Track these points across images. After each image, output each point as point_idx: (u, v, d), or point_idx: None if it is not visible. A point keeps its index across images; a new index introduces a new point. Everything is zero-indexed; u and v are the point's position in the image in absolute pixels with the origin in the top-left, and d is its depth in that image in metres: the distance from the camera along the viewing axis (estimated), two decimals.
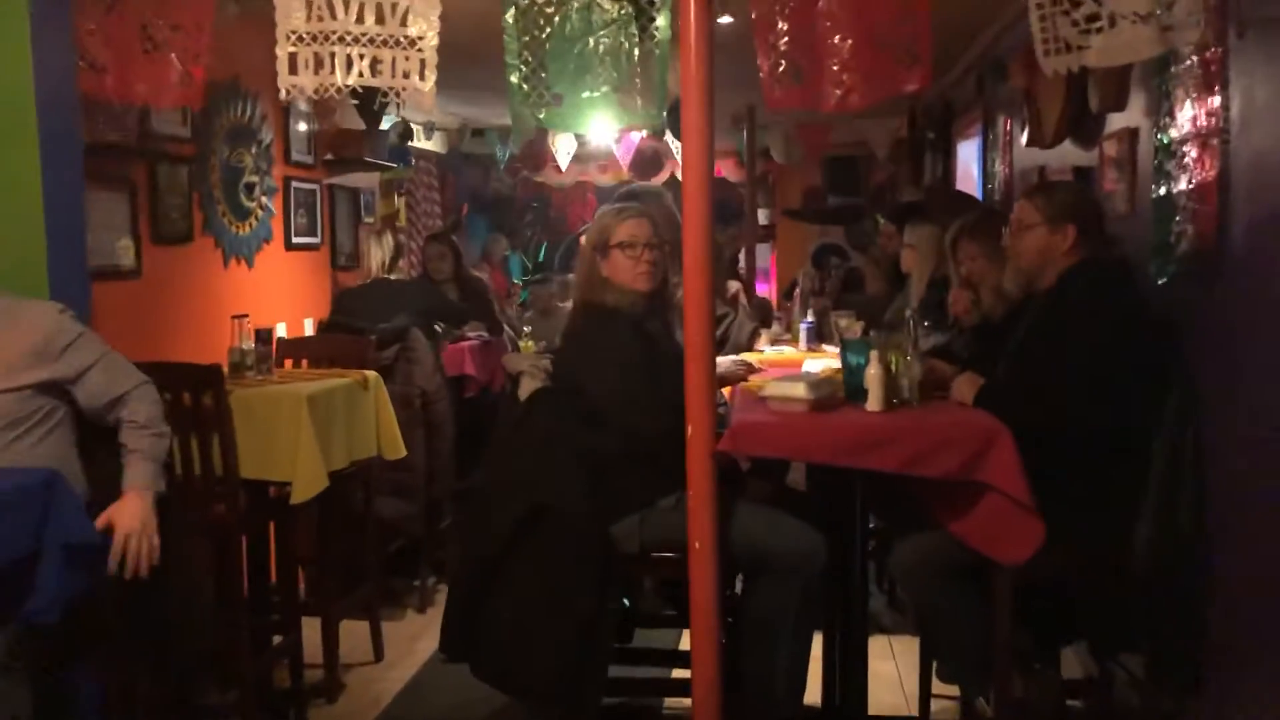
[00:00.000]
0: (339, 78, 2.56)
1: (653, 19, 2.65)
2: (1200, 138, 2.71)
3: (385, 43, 2.56)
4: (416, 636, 4.44)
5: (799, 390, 2.75)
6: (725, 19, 4.42)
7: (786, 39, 2.67)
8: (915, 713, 3.46)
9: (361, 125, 5.52)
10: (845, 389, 2.92)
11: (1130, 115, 3.33)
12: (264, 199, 4.77)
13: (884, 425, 2.70)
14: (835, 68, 2.63)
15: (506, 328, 6.37)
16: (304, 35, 2.56)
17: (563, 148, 7.83)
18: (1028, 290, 3.19)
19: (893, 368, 2.83)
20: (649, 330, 3.02)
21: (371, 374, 3.97)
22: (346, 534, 4.10)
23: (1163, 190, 2.96)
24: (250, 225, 4.66)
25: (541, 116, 2.73)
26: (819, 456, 2.72)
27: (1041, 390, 2.83)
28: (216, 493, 3.32)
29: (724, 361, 3.45)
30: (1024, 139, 4.40)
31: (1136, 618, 2.91)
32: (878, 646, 3.95)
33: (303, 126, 5.26)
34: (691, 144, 2.50)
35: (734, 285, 4.97)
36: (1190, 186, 2.77)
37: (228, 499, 3.33)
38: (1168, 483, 2.76)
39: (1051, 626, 3.18)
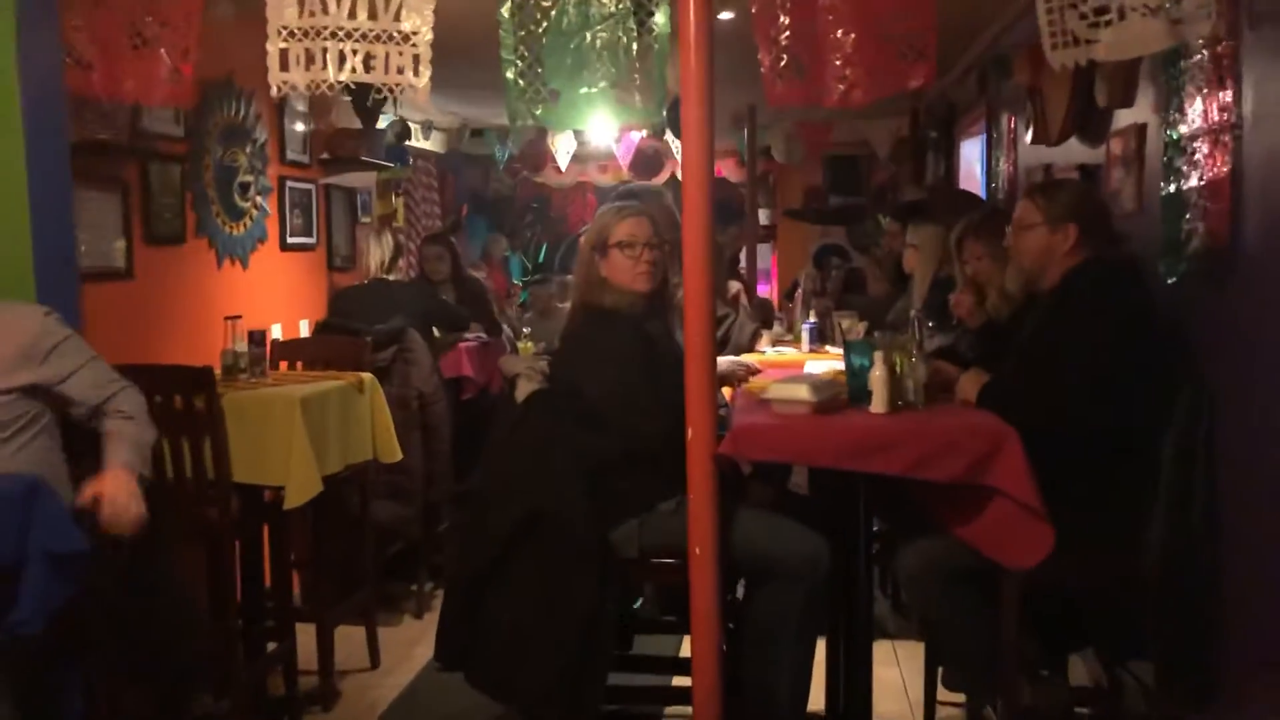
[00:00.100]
0: (331, 74, 2.52)
1: (651, 13, 2.61)
2: (1212, 133, 2.65)
3: (378, 38, 2.52)
4: (414, 642, 4.38)
5: (802, 392, 2.69)
6: (725, 15, 4.36)
7: (788, 33, 2.62)
8: None
9: (358, 124, 5.45)
10: (849, 391, 2.87)
11: (1138, 111, 3.27)
12: (259, 199, 4.71)
13: (889, 428, 2.64)
14: (838, 62, 2.59)
15: (506, 329, 6.32)
16: (295, 31, 2.52)
17: (562, 148, 7.79)
18: (1031, 290, 3.14)
19: (897, 369, 2.78)
20: (649, 331, 2.97)
21: (367, 376, 3.91)
22: (342, 538, 4.04)
23: (1172, 187, 2.90)
24: (245, 225, 4.60)
25: (538, 113, 2.68)
26: (822, 460, 2.66)
27: (1044, 390, 2.78)
28: (208, 497, 3.27)
29: (724, 362, 3.39)
30: (1028, 137, 4.34)
31: (1146, 624, 2.85)
32: (881, 651, 3.89)
33: (300, 126, 5.20)
34: (692, 141, 2.45)
35: (735, 286, 4.92)
36: (1201, 183, 2.72)
37: (219, 504, 3.28)
38: (1179, 486, 2.71)
39: (1059, 632, 3.13)
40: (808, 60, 2.60)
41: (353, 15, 2.51)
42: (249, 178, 4.61)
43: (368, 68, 2.53)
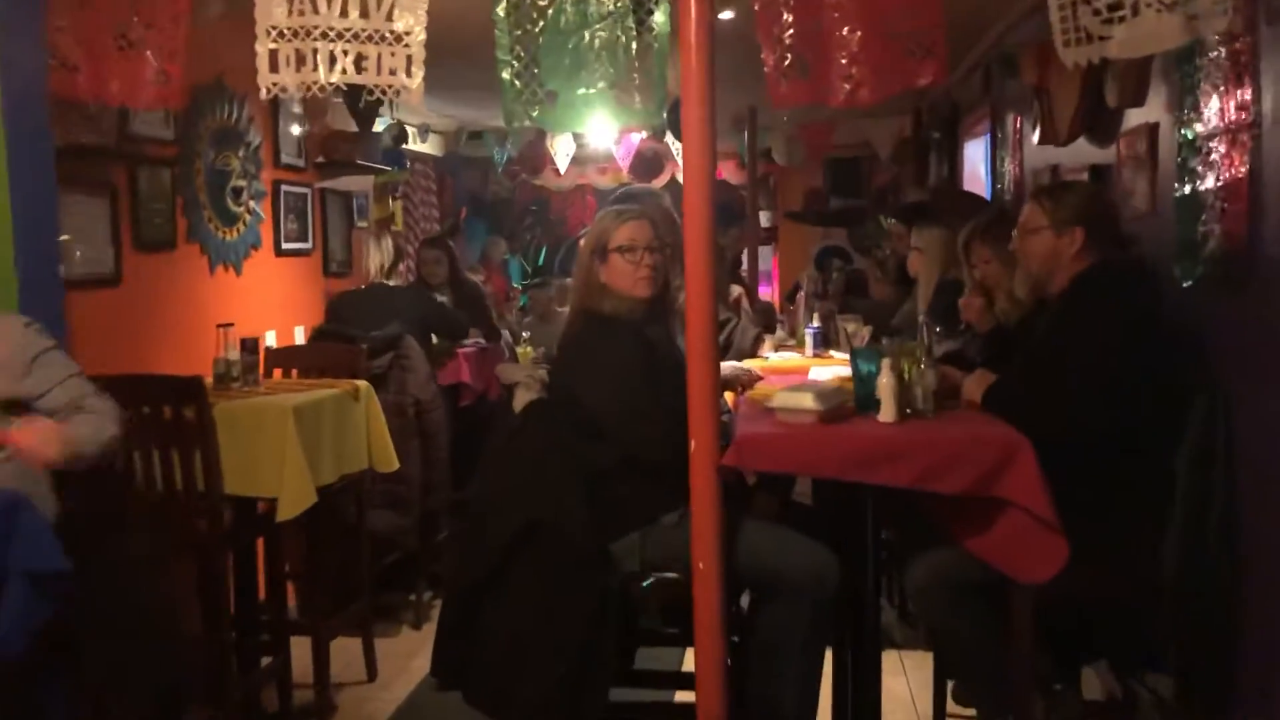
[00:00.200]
0: (322, 75, 2.45)
1: (651, 11, 2.53)
2: (1229, 132, 2.58)
3: (370, 38, 2.45)
4: (412, 654, 4.31)
5: (807, 401, 2.62)
6: (725, 14, 4.29)
7: (792, 31, 2.54)
8: None
9: (354, 127, 5.39)
10: (855, 399, 2.79)
11: (1150, 110, 3.20)
12: (252, 203, 4.64)
13: (897, 438, 2.56)
14: (844, 61, 2.50)
15: (505, 333, 6.25)
16: (285, 31, 2.44)
17: (561, 150, 7.73)
18: (1039, 294, 3.07)
19: (905, 376, 2.70)
20: (650, 337, 2.89)
21: (362, 384, 3.84)
22: (338, 548, 3.97)
23: (1187, 188, 2.83)
24: (238, 231, 4.53)
25: (535, 115, 2.61)
26: (828, 471, 2.58)
27: (1050, 392, 2.71)
28: (199, 509, 3.20)
29: (726, 367, 3.32)
30: (1035, 137, 4.27)
31: (1163, 635, 2.78)
32: (888, 662, 3.80)
33: (296, 129, 5.13)
34: (693, 142, 2.37)
35: (736, 289, 4.84)
36: (1218, 184, 2.64)
37: (210, 516, 3.21)
38: (1196, 493, 2.65)
39: (1071, 644, 3.06)
40: (812, 59, 2.52)
41: (344, 14, 2.43)
42: (242, 182, 4.54)
43: (359, 69, 2.45)
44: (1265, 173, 2.46)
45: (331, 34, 2.43)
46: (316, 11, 2.43)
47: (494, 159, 8.05)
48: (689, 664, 3.36)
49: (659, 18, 2.53)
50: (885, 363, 2.65)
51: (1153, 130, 3.15)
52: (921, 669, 3.87)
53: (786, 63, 2.53)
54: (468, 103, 6.97)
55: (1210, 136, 2.69)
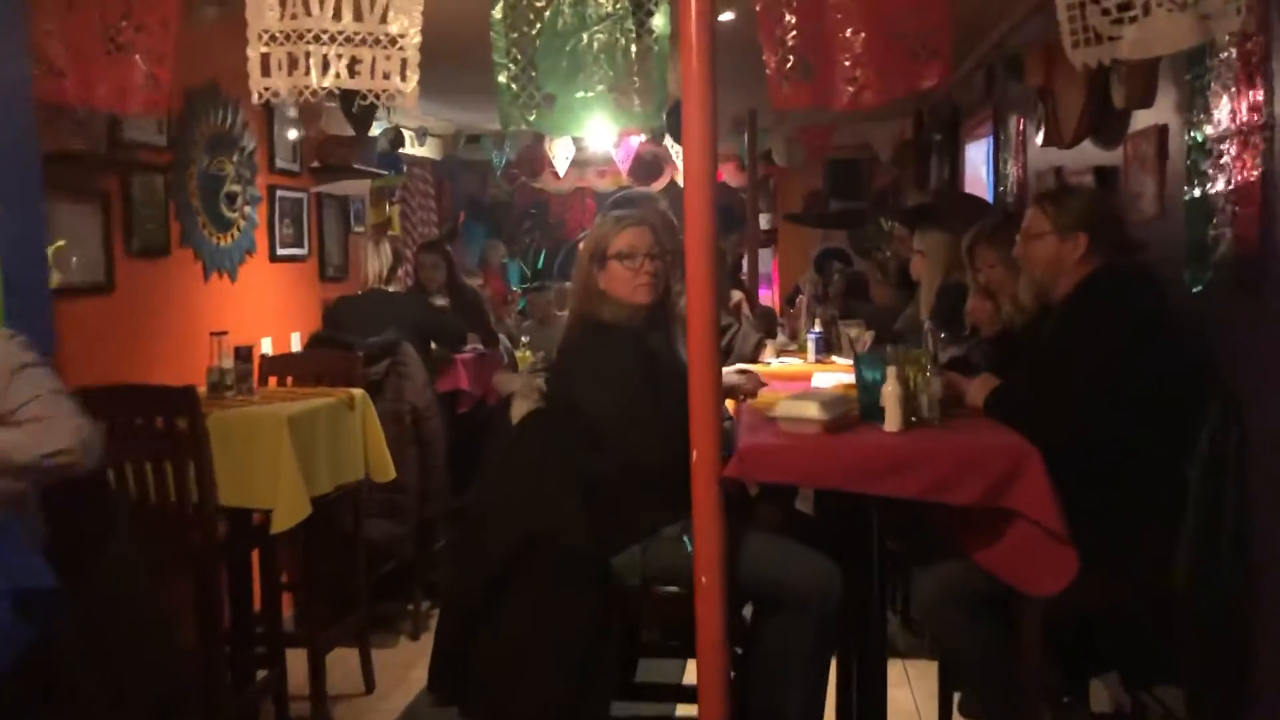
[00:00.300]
0: (315, 79, 2.40)
1: (651, 13, 2.48)
2: (1241, 134, 2.53)
3: (364, 41, 2.40)
4: (409, 665, 4.26)
5: (811, 410, 2.56)
6: (725, 16, 4.23)
7: (794, 33, 2.48)
8: None
9: (350, 131, 5.33)
10: (860, 407, 2.74)
11: (1158, 112, 3.14)
12: (247, 209, 4.58)
13: (903, 448, 2.52)
14: (847, 63, 2.45)
15: (503, 338, 6.19)
16: (277, 34, 2.40)
17: (560, 153, 7.67)
18: (1043, 300, 3.02)
19: (911, 384, 2.65)
20: (650, 345, 2.84)
21: (358, 392, 3.79)
22: (334, 558, 3.92)
23: (1197, 191, 2.77)
24: (232, 236, 4.47)
25: (532, 118, 2.56)
26: (833, 482, 2.53)
27: (1053, 397, 2.66)
28: (192, 521, 3.15)
29: (730, 373, 3.27)
30: (1039, 139, 4.21)
31: (1173, 646, 2.72)
32: (893, 672, 3.74)
33: (293, 134, 5.07)
34: (693, 146, 2.32)
35: (737, 295, 4.80)
36: (1229, 187, 2.59)
37: (204, 528, 3.16)
38: (1207, 502, 2.59)
39: (1079, 655, 3.01)
40: (816, 61, 2.47)
41: (337, 17, 2.39)
42: (236, 187, 4.48)
43: (353, 73, 2.41)
44: (1278, 175, 2.41)
45: (324, 37, 2.38)
46: (309, 14, 2.39)
47: (492, 162, 8.01)
48: (690, 676, 3.32)
49: (658, 19, 2.48)
50: (890, 370, 2.60)
51: (1161, 132, 3.09)
52: (926, 678, 3.83)
53: (789, 65, 2.47)
54: (465, 106, 6.92)
55: (1221, 138, 2.63)
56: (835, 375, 3.67)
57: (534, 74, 2.51)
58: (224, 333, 3.68)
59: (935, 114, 6.71)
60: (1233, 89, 2.57)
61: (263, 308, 4.77)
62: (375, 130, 5.95)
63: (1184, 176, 2.88)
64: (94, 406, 3.06)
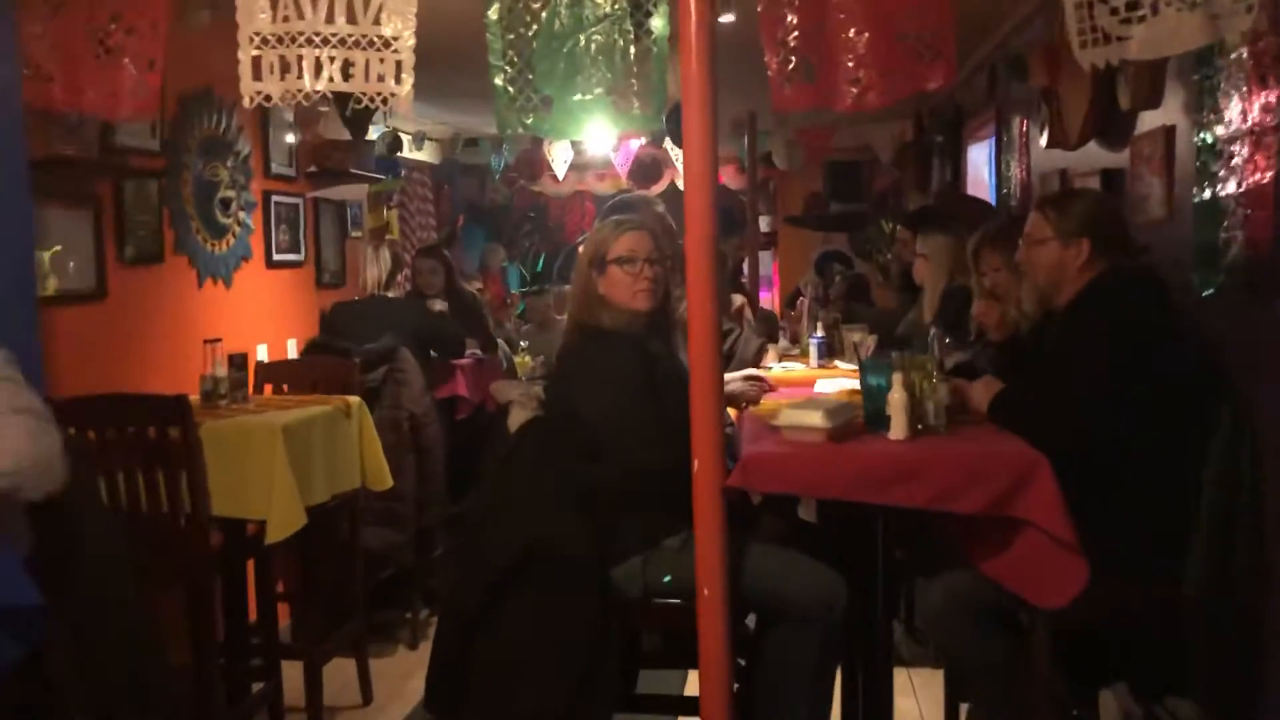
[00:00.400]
0: (307, 83, 2.36)
1: (650, 13, 2.43)
2: (1253, 135, 2.48)
3: (357, 44, 2.36)
4: (407, 675, 4.21)
5: (815, 419, 2.51)
6: (725, 18, 4.18)
7: (796, 34, 2.44)
8: None
9: (346, 135, 5.28)
10: (865, 414, 2.69)
11: (1166, 112, 3.10)
12: (242, 214, 4.53)
13: (909, 456, 2.46)
14: (850, 64, 2.41)
15: (502, 343, 6.14)
16: (269, 37, 2.36)
17: (559, 156, 7.64)
18: (1045, 306, 2.97)
19: (916, 390, 2.60)
20: (650, 351, 2.79)
21: (354, 400, 3.73)
22: (331, 567, 3.86)
23: (1207, 193, 2.73)
24: (227, 243, 4.42)
25: (529, 122, 2.52)
26: (838, 492, 2.47)
27: (1057, 402, 2.61)
28: (185, 533, 3.10)
29: (735, 380, 3.22)
30: (1043, 140, 4.16)
31: (1186, 657, 2.67)
32: (897, 681, 3.65)
33: (290, 138, 5.02)
34: (694, 148, 2.28)
35: (738, 299, 4.75)
36: (1241, 189, 2.54)
37: (197, 540, 3.11)
38: (1220, 509, 2.54)
39: (1089, 666, 2.95)
40: (818, 63, 2.42)
41: (330, 20, 2.34)
42: (231, 193, 4.43)
43: (346, 76, 2.36)
44: None
45: (317, 40, 2.34)
46: (302, 17, 2.34)
47: (491, 166, 7.97)
48: (692, 687, 3.26)
49: (657, 20, 2.43)
50: (896, 377, 2.54)
51: (1169, 133, 3.04)
52: (931, 686, 3.78)
53: (791, 66, 2.43)
54: (463, 109, 6.88)
55: (1232, 139, 2.59)
56: (838, 381, 3.62)
57: (531, 76, 2.47)
58: (218, 340, 3.63)
59: (936, 115, 6.67)
60: (1244, 89, 2.52)
61: (259, 314, 4.72)
62: (372, 134, 5.91)
63: (1193, 178, 2.83)
64: (84, 416, 3.07)
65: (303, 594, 3.78)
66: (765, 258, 9.16)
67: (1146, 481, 2.60)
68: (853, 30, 2.40)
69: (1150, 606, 2.62)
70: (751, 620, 2.82)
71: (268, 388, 4.19)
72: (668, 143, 7.08)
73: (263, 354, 4.66)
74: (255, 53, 2.35)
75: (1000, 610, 2.59)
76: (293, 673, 3.63)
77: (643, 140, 7.57)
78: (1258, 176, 2.46)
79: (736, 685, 2.52)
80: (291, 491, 3.17)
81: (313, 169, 5.29)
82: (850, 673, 2.97)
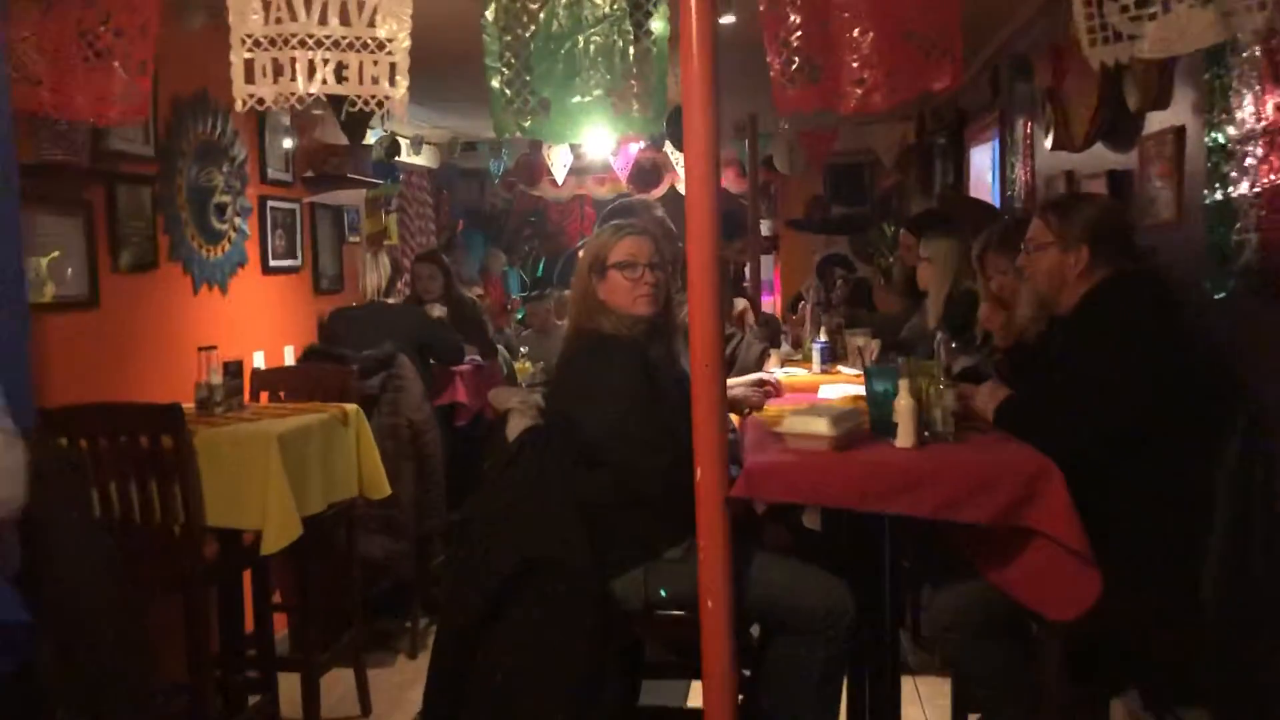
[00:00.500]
0: (300, 85, 2.32)
1: (649, 14, 2.38)
2: (1267, 135, 2.43)
3: (351, 46, 2.32)
4: (407, 685, 4.15)
5: (820, 426, 2.46)
6: (726, 19, 4.14)
7: (799, 33, 2.38)
8: None
9: (344, 140, 5.23)
10: (870, 420, 2.64)
11: (1175, 113, 3.05)
12: (237, 220, 4.48)
13: (917, 464, 2.41)
14: (855, 64, 2.35)
15: (502, 349, 6.10)
16: (261, 39, 2.32)
17: (559, 160, 7.59)
18: (1046, 311, 2.92)
19: (923, 396, 2.54)
20: (651, 358, 2.73)
21: (351, 407, 3.68)
22: (329, 577, 3.81)
23: (1219, 195, 2.68)
24: (223, 249, 4.37)
25: (527, 125, 2.47)
26: (844, 501, 2.42)
27: (1064, 412, 2.55)
28: (179, 543, 3.04)
29: (739, 384, 3.17)
30: (1048, 142, 4.11)
31: (1199, 665, 2.61)
32: (904, 689, 3.65)
33: (288, 143, 4.98)
34: (696, 152, 2.23)
35: (740, 303, 4.71)
36: (1255, 190, 2.50)
37: (191, 550, 3.05)
38: (1235, 515, 2.48)
39: (1100, 674, 2.89)
40: (822, 63, 2.36)
41: (323, 21, 2.31)
42: (226, 198, 4.38)
43: (340, 78, 2.32)
44: None
45: (310, 42, 2.31)
46: (295, 19, 2.31)
47: (490, 170, 7.93)
48: (696, 698, 3.21)
49: (657, 21, 2.38)
50: (903, 383, 2.49)
51: (1179, 134, 2.99)
52: (939, 695, 3.73)
53: (794, 67, 2.37)
54: (461, 113, 6.84)
55: (1245, 139, 2.54)
56: (841, 386, 3.56)
57: (528, 78, 2.42)
58: (212, 347, 3.58)
59: (939, 117, 6.62)
60: (1257, 88, 2.47)
61: (255, 321, 4.67)
62: (370, 139, 5.86)
63: (1203, 179, 2.78)
64: (76, 425, 3.02)
65: (300, 604, 3.73)
66: (766, 262, 9.11)
67: (1158, 488, 2.55)
68: (857, 29, 2.34)
69: (1163, 615, 2.57)
70: (756, 630, 2.78)
71: (264, 395, 4.14)
72: (668, 146, 7.04)
73: (259, 361, 4.61)
74: (248, 55, 2.31)
75: (1010, 622, 2.54)
76: (290, 684, 3.59)
77: (642, 144, 7.52)
78: (1273, 177, 2.41)
79: (741, 697, 2.47)
80: (287, 501, 3.12)
81: (310, 174, 5.24)
82: (857, 682, 2.91)
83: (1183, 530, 2.53)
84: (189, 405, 3.43)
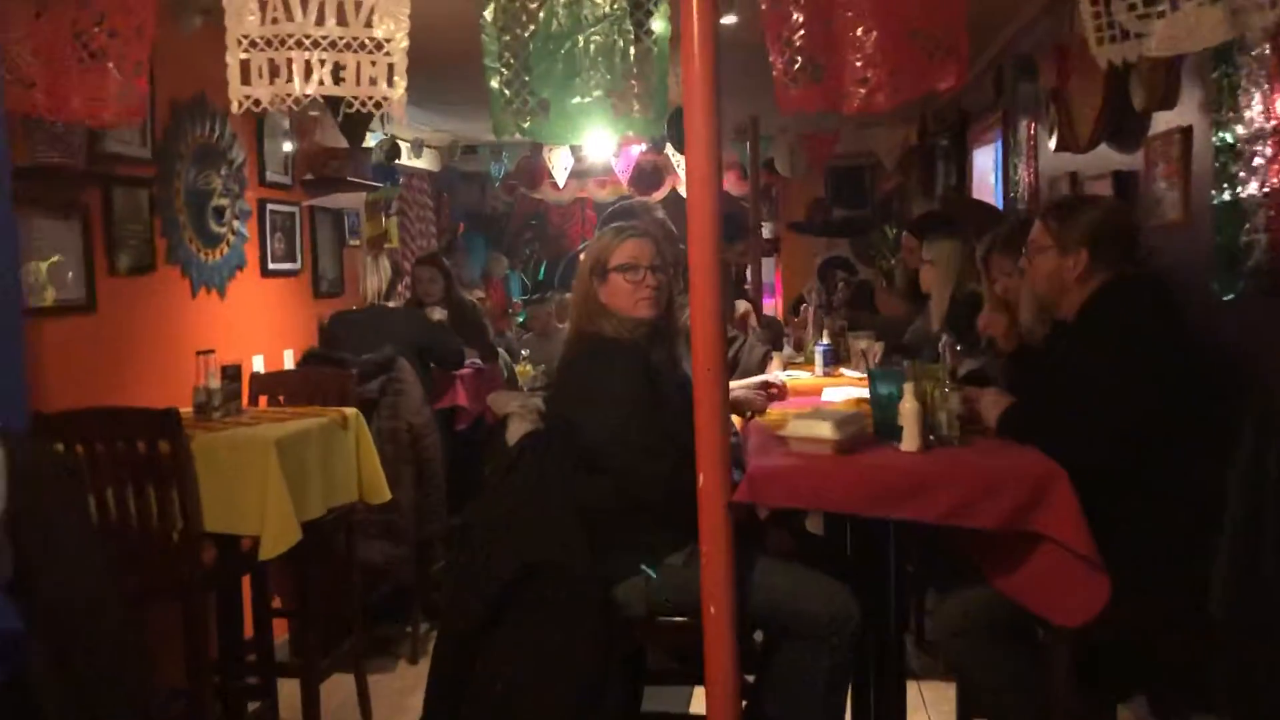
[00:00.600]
0: (297, 86, 2.29)
1: (650, 13, 2.35)
2: (1277, 135, 2.40)
3: (349, 46, 2.29)
4: (408, 691, 4.12)
5: (824, 430, 2.42)
6: (727, 20, 4.11)
7: (802, 32, 2.35)
8: None
9: (343, 143, 5.21)
10: (874, 424, 2.61)
11: (1181, 112, 3.01)
12: (236, 223, 4.45)
13: (922, 469, 2.38)
14: (858, 63, 2.31)
15: (503, 352, 6.07)
16: (257, 40, 2.29)
17: (560, 163, 7.57)
18: (1046, 316, 2.89)
19: (928, 400, 2.51)
20: (652, 362, 2.70)
21: (350, 411, 3.65)
22: (329, 582, 3.78)
23: (1227, 195, 2.64)
24: (221, 252, 4.34)
25: (526, 126, 2.44)
26: (850, 507, 2.39)
27: (1068, 419, 2.52)
28: (176, 550, 3.01)
29: (747, 385, 3.13)
30: (1052, 143, 4.08)
31: (1212, 672, 2.58)
32: (907, 695, 3.63)
33: (288, 146, 4.95)
34: (697, 154, 2.20)
35: (743, 305, 4.68)
36: (1264, 190, 2.46)
37: (189, 557, 3.02)
38: (1246, 519, 2.44)
39: (1107, 680, 2.86)
40: (826, 62, 2.33)
41: (320, 22, 2.28)
42: (225, 201, 4.35)
43: (337, 79, 2.30)
44: None
45: (307, 42, 2.28)
46: (291, 19, 2.28)
47: (491, 173, 7.90)
48: (699, 704, 3.18)
49: (658, 21, 2.35)
50: (908, 386, 2.46)
51: (1186, 133, 2.96)
52: (943, 702, 3.70)
53: (797, 66, 2.34)
54: (461, 116, 6.82)
55: (1254, 139, 2.50)
56: (845, 389, 3.53)
57: (528, 78, 2.39)
58: (210, 351, 3.54)
59: (940, 119, 6.59)
60: (1266, 87, 2.44)
61: (254, 325, 4.64)
62: (370, 142, 5.84)
63: (1211, 180, 2.74)
64: (71, 430, 2.99)
65: (300, 610, 3.70)
66: (767, 265, 9.09)
67: (1164, 491, 2.52)
68: (860, 28, 2.31)
69: (1172, 619, 2.54)
70: (759, 634, 2.74)
71: (263, 399, 4.11)
72: (669, 149, 7.02)
73: (259, 365, 4.58)
74: (244, 56, 2.28)
75: (1016, 628, 2.51)
76: (290, 690, 3.56)
77: (644, 147, 7.50)
78: None
79: (744, 703, 2.44)
80: (285, 506, 3.09)
81: (309, 177, 5.21)
82: (861, 688, 2.88)
83: (1191, 533, 2.50)
84: (187, 410, 3.40)
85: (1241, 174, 2.56)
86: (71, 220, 3.46)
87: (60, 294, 3.39)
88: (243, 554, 3.32)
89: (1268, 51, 2.42)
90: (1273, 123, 2.42)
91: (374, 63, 2.29)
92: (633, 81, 2.41)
